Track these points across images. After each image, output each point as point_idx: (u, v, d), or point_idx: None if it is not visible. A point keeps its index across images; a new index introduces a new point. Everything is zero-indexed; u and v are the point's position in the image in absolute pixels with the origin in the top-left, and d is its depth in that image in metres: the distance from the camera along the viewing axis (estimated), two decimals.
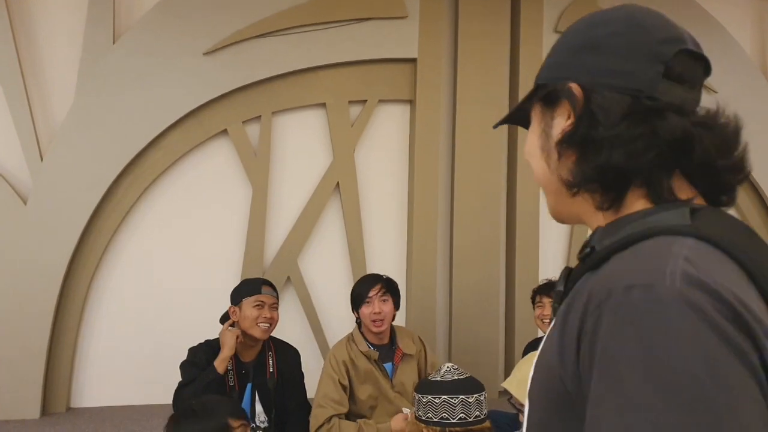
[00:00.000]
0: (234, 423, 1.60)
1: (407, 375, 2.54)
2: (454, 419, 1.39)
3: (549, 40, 3.92)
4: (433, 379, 1.49)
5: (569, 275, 0.60)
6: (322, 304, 3.73)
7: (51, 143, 3.28)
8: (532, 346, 3.06)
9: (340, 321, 3.71)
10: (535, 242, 3.95)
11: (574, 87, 0.60)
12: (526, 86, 3.88)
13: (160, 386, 3.43)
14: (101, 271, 3.44)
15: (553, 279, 2.94)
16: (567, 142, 0.60)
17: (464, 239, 3.83)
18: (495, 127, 0.84)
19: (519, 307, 3.87)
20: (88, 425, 3.17)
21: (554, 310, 0.60)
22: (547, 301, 2.80)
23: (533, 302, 2.92)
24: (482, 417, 1.43)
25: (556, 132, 0.62)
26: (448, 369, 1.50)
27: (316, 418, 2.34)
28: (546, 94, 0.64)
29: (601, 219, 0.60)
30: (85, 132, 3.30)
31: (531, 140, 0.67)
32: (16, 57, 3.21)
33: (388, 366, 2.53)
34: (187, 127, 3.50)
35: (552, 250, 4.10)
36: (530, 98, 0.68)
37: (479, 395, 1.44)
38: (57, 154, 3.27)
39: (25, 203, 3.23)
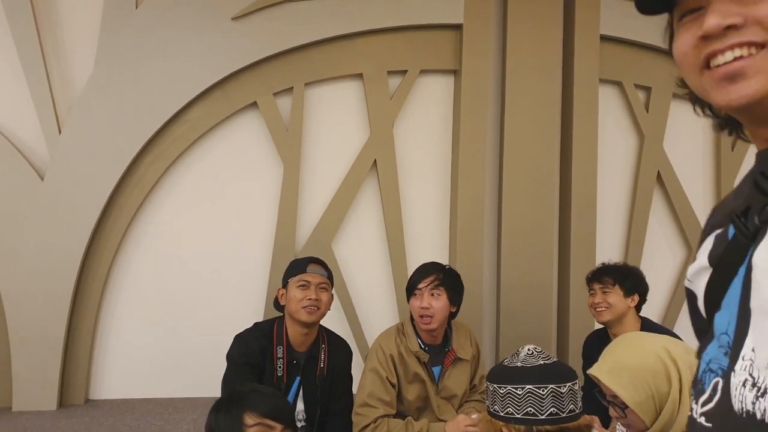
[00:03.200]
0: (249, 420, 1.34)
1: (456, 381, 2.23)
2: (542, 415, 1.07)
3: (607, 4, 3.56)
4: (512, 364, 1.17)
5: None
6: (358, 292, 3.43)
7: (69, 115, 3.05)
8: (594, 339, 2.76)
9: (376, 310, 3.45)
10: (592, 228, 3.59)
11: None
12: (582, 53, 3.54)
13: (184, 378, 3.21)
14: (122, 253, 3.20)
15: (608, 262, 2.64)
16: None
17: (513, 224, 3.49)
18: None
19: (573, 299, 3.52)
20: (107, 419, 2.94)
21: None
22: (598, 288, 2.52)
23: (589, 291, 2.62)
24: (578, 411, 1.11)
25: None
26: (530, 352, 1.17)
27: (363, 417, 2.05)
28: None
29: None
30: (105, 103, 3.07)
31: None
32: (32, 20, 2.98)
33: (436, 369, 2.22)
34: (213, 99, 3.23)
35: (609, 236, 3.74)
36: None
37: (573, 384, 1.13)
38: (76, 126, 3.05)
39: (42, 179, 3.01)
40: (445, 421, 2.12)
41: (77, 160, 3.04)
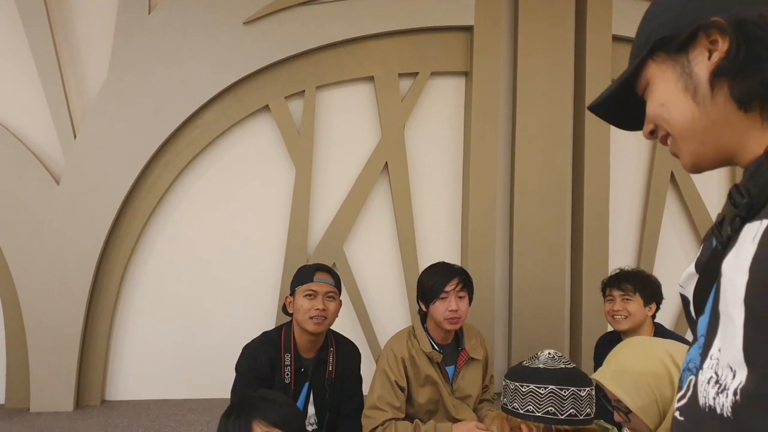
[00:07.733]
0: (257, 428, 1.36)
1: (469, 381, 2.23)
2: (562, 415, 1.07)
3: (620, 3, 3.55)
4: (533, 366, 1.18)
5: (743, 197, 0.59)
6: (369, 293, 3.44)
7: (84, 119, 3.09)
8: (606, 341, 2.73)
9: (388, 312, 3.46)
10: (605, 229, 3.57)
11: (719, 20, 0.61)
12: (593, 54, 3.52)
13: (199, 380, 3.24)
14: (136, 255, 3.24)
15: (626, 268, 2.54)
16: (724, 70, 0.62)
17: (525, 225, 3.49)
18: (591, 108, 0.78)
19: (586, 300, 3.51)
20: (122, 419, 2.97)
21: (738, 222, 0.59)
22: (618, 295, 2.42)
23: (604, 295, 2.53)
24: (593, 416, 1.11)
25: (700, 69, 0.64)
26: (551, 356, 1.18)
27: (371, 420, 2.06)
28: (678, 43, 0.65)
29: None
30: (119, 108, 3.10)
31: (664, 89, 0.68)
32: (48, 27, 3.03)
33: (449, 369, 2.22)
34: (226, 103, 3.27)
35: (622, 238, 3.72)
36: (646, 58, 0.69)
37: (591, 389, 1.13)
38: (90, 131, 3.08)
39: (57, 183, 3.05)
40: (454, 422, 2.13)
41: (92, 164, 3.07)
